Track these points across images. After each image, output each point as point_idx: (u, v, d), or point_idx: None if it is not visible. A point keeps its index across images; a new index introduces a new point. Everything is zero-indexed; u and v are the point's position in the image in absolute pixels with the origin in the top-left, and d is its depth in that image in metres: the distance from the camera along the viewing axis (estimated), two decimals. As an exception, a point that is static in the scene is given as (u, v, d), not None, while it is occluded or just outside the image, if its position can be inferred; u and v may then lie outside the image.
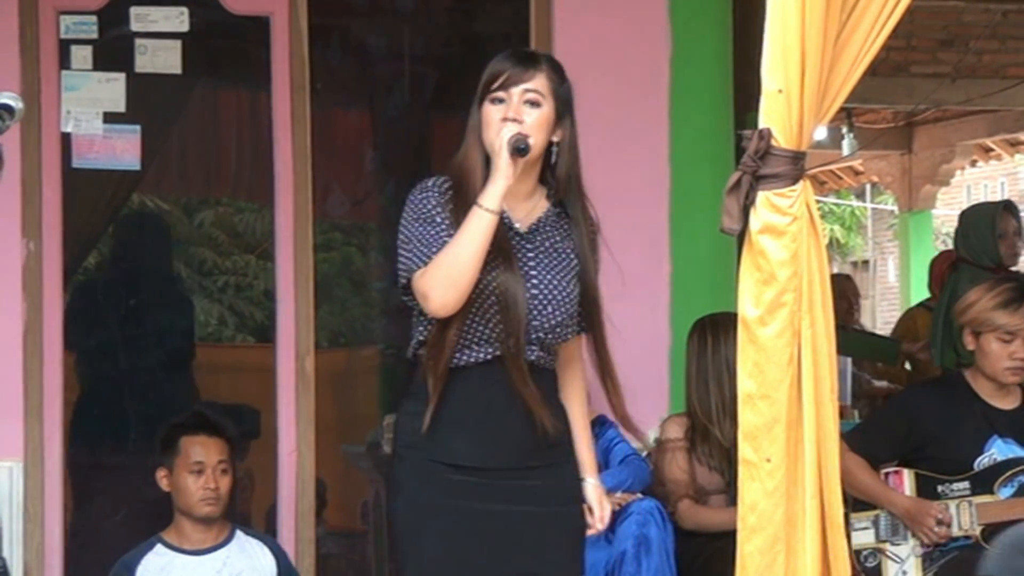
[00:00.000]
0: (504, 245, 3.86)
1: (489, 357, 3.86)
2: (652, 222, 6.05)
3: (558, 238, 3.94)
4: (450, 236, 3.82)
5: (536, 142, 3.88)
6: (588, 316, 4.00)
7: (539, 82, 3.91)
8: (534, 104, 3.89)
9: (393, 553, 3.99)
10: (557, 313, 3.90)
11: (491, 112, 3.89)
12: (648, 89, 6.06)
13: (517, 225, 3.94)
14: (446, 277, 3.77)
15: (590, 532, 4.03)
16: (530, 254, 3.92)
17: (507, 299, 3.83)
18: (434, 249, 3.82)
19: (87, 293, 6.16)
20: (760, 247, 3.46)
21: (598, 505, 4.01)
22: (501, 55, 3.96)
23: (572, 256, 3.95)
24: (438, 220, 3.86)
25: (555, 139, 3.95)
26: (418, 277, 3.82)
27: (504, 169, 3.80)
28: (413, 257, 3.85)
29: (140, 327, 6.22)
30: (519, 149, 3.81)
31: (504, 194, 3.83)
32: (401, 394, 4.02)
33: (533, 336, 3.88)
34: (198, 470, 5.20)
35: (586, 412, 4.08)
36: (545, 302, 3.89)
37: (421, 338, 3.90)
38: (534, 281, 3.89)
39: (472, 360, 3.86)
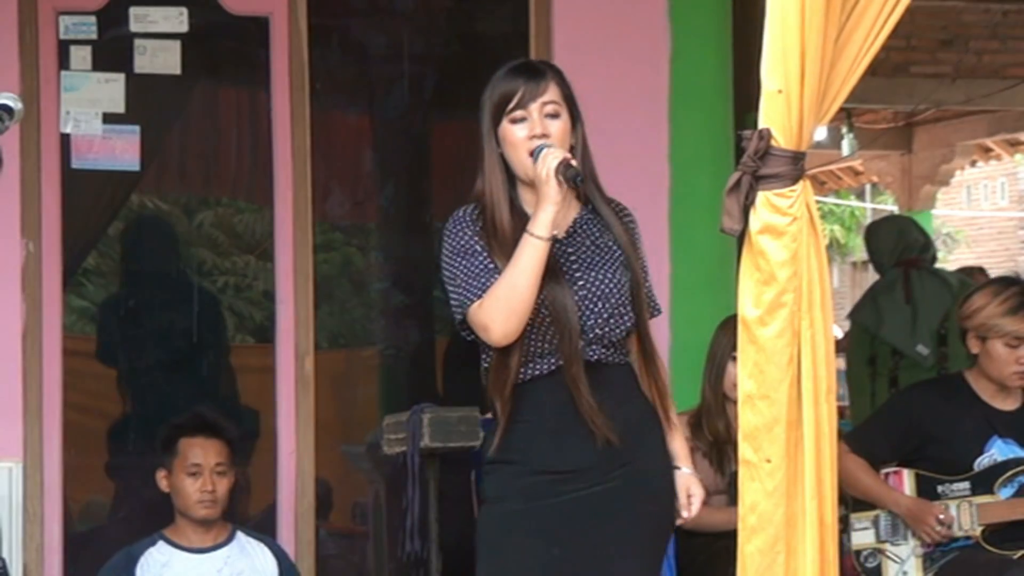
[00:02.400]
0: (548, 259, 3.86)
1: (553, 368, 3.87)
2: (652, 222, 6.04)
3: (597, 233, 3.95)
4: (493, 264, 3.84)
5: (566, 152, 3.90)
6: (635, 306, 3.97)
7: (553, 92, 3.91)
8: (554, 116, 3.91)
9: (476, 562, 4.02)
10: (607, 306, 3.90)
11: (513, 132, 3.89)
12: (648, 89, 6.06)
13: (555, 232, 3.93)
14: (505, 307, 3.79)
15: (678, 521, 4.00)
16: (572, 256, 3.93)
17: (557, 310, 3.85)
18: (482, 280, 3.83)
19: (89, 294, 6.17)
20: (760, 247, 3.46)
21: (683, 493, 3.98)
22: (503, 74, 3.95)
23: (615, 248, 3.96)
24: (478, 250, 3.87)
25: (572, 143, 3.95)
26: (475, 311, 3.82)
27: (552, 196, 3.80)
28: (465, 292, 3.85)
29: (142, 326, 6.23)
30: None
31: (553, 219, 3.84)
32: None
33: (591, 335, 3.88)
34: (195, 472, 5.20)
35: (669, 402, 4.04)
36: (594, 299, 3.89)
37: (486, 365, 3.91)
38: (580, 283, 3.90)
39: (537, 373, 3.88)
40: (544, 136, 3.86)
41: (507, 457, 3.92)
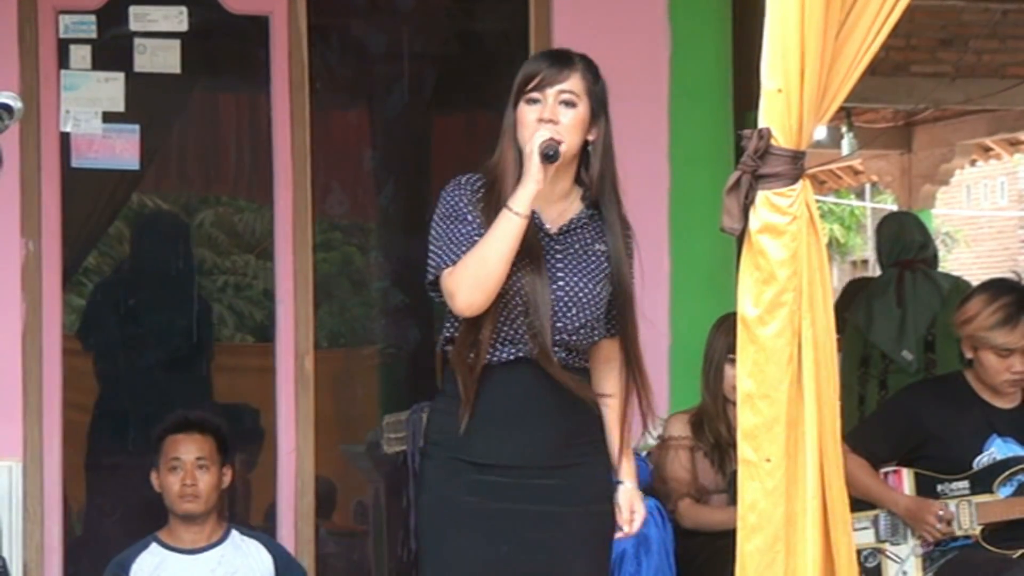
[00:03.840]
0: (533, 247, 3.87)
1: (512, 358, 3.87)
2: (652, 222, 6.05)
3: (590, 240, 3.93)
4: (480, 235, 3.83)
5: (571, 143, 3.90)
6: (619, 318, 3.99)
7: (574, 82, 3.91)
8: (569, 104, 3.90)
9: (417, 548, 4.00)
10: (581, 315, 3.90)
11: (526, 113, 3.90)
12: (648, 89, 6.06)
13: (548, 226, 3.94)
14: (472, 278, 3.79)
15: (618, 535, 4.01)
16: (558, 255, 3.92)
17: (531, 301, 3.84)
18: (463, 248, 3.84)
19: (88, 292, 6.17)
20: (760, 247, 3.46)
21: (627, 508, 4.00)
22: (535, 55, 4.00)
23: (603, 259, 3.95)
24: (469, 219, 3.87)
25: (590, 138, 3.95)
26: (446, 275, 3.84)
27: (534, 173, 3.80)
28: (442, 254, 3.86)
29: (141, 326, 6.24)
30: (548, 156, 3.81)
31: (534, 197, 3.84)
32: (435, 390, 4.05)
33: (557, 338, 3.88)
34: (176, 467, 5.23)
35: (622, 413, 4.03)
36: (569, 304, 3.89)
37: (447, 334, 3.91)
38: (560, 283, 3.89)
39: (496, 360, 3.87)
40: (552, 121, 3.86)
41: (456, 445, 3.88)
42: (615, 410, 4.02)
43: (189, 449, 5.25)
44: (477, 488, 3.86)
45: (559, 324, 3.88)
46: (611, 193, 3.98)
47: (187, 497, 5.21)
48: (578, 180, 3.99)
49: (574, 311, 3.89)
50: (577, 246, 3.94)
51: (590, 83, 3.93)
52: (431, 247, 3.89)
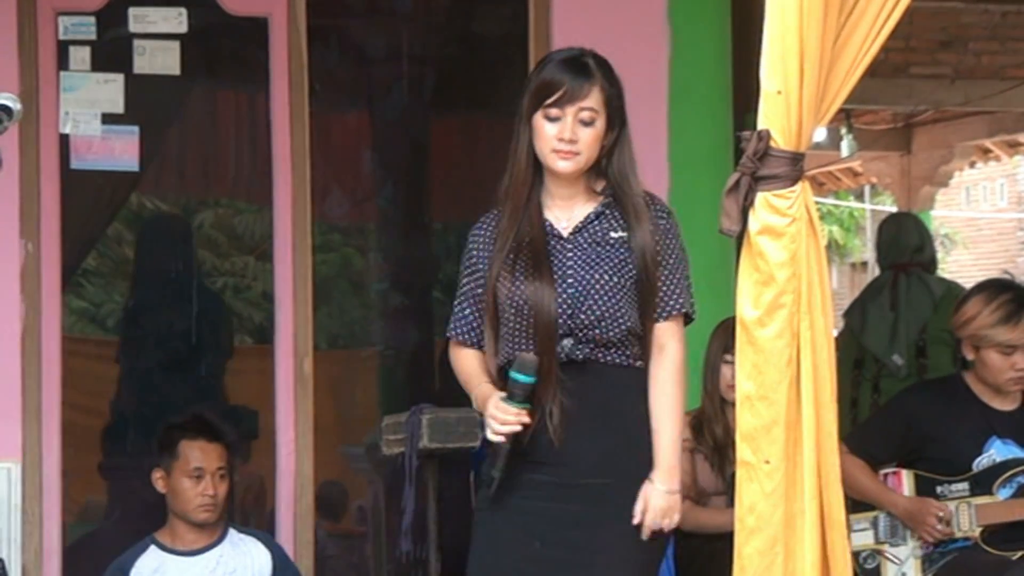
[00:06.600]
0: (538, 256, 3.91)
1: (564, 360, 3.89)
2: (651, 223, 6.04)
3: (606, 229, 3.95)
4: (480, 286, 3.96)
5: (588, 157, 3.94)
6: (643, 304, 3.95)
7: (594, 98, 3.92)
8: (587, 124, 3.92)
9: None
10: (597, 306, 3.90)
11: (545, 127, 3.92)
12: (647, 90, 6.06)
13: (561, 228, 3.97)
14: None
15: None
16: (570, 254, 3.94)
17: (536, 309, 3.87)
18: (465, 308, 4.01)
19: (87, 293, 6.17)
20: (759, 248, 3.47)
21: (642, 500, 3.90)
22: (556, 62, 3.96)
23: (621, 247, 3.94)
24: (470, 275, 4.00)
25: (604, 143, 3.98)
26: (452, 345, 4.07)
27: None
28: (453, 321, 4.06)
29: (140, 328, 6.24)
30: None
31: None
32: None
33: (581, 335, 3.89)
34: (197, 476, 5.18)
35: (669, 410, 3.95)
36: (583, 297, 3.89)
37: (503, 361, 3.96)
38: (571, 280, 3.90)
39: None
40: (572, 142, 3.89)
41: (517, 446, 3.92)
42: (658, 408, 3.95)
43: (211, 458, 5.19)
44: (531, 488, 3.89)
45: (581, 318, 3.89)
46: (628, 188, 4.00)
47: (206, 507, 5.17)
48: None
49: (589, 302, 3.89)
50: (596, 238, 3.95)
51: (608, 94, 3.95)
52: (456, 299, 4.08)
